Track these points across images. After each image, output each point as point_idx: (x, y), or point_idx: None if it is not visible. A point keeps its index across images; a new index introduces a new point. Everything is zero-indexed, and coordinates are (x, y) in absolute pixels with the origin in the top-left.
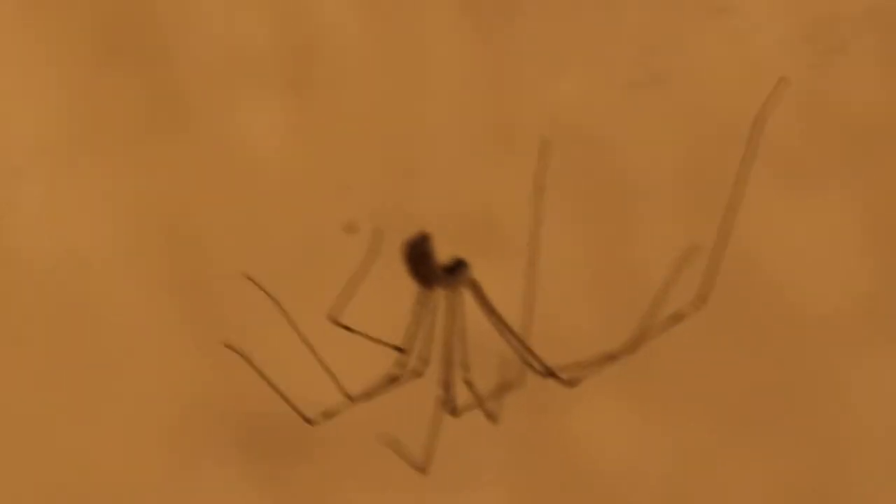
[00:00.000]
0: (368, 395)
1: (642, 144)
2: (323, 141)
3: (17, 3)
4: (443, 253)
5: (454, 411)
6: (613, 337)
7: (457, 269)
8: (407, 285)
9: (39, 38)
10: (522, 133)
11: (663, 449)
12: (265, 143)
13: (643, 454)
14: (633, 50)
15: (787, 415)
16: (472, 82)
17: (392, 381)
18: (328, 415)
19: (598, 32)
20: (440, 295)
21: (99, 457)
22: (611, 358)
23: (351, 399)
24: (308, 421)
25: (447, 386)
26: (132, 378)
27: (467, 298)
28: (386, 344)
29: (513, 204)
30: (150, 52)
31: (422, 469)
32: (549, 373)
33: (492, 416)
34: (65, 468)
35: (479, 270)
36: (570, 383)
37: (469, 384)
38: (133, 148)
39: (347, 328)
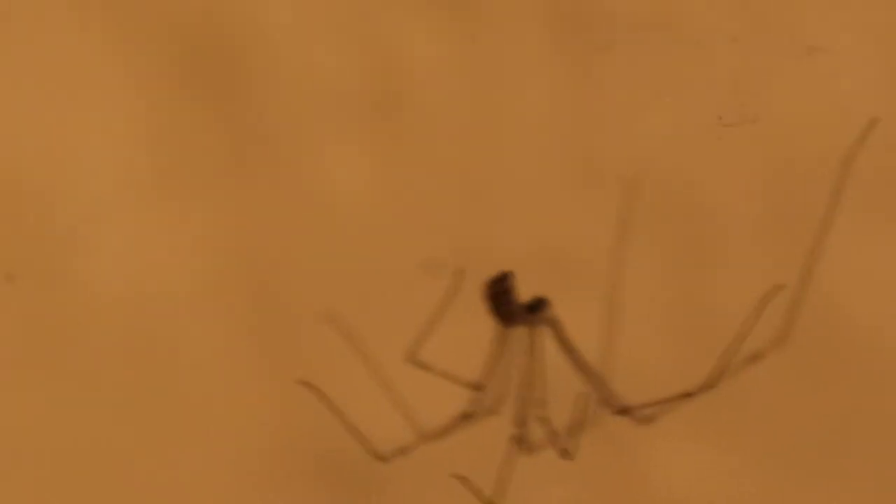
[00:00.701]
0: (442, 432)
1: (729, 184)
2: (405, 180)
3: (104, 39)
4: (524, 291)
5: (528, 449)
6: (691, 376)
7: (537, 307)
8: (486, 323)
9: (125, 74)
10: (608, 170)
11: (740, 490)
12: (348, 182)
13: (719, 495)
14: (723, 89)
15: (868, 457)
16: (559, 118)
17: (466, 418)
18: (400, 452)
19: (688, 70)
20: (520, 333)
21: (174, 494)
22: (687, 396)
23: (424, 436)
24: (380, 458)
25: (521, 423)
26: (209, 415)
27: (546, 336)
28: (462, 381)
29: (595, 242)
30: (235, 91)
31: None
32: (625, 410)
33: (566, 454)
34: None
35: (560, 308)
36: (645, 421)
37: (544, 421)
38: (216, 187)
39: (424, 366)
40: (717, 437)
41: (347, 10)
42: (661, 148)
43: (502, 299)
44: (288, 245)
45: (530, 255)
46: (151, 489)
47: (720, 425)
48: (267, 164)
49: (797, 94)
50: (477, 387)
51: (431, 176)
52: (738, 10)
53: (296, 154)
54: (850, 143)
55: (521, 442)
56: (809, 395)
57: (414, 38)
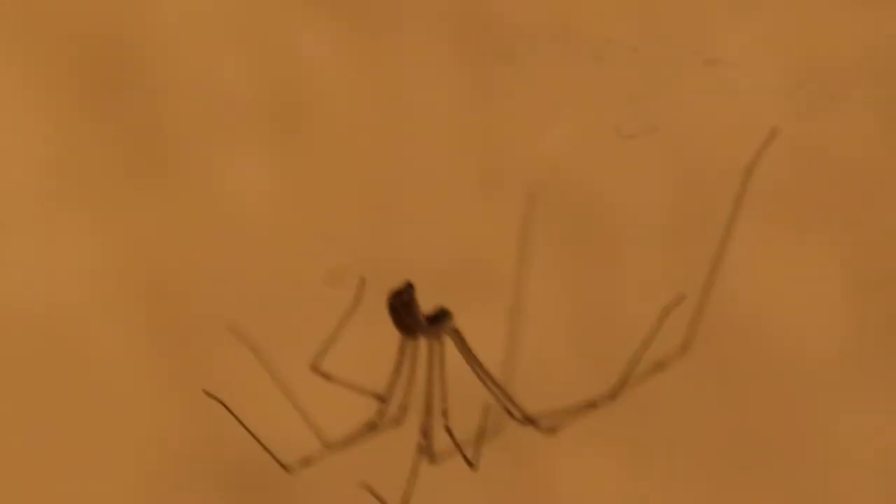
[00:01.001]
0: (347, 442)
1: (631, 193)
2: (307, 189)
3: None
4: (426, 302)
5: (433, 458)
6: (595, 385)
7: (440, 318)
8: (389, 334)
9: (23, 85)
10: (510, 181)
11: (643, 497)
12: (249, 192)
13: (623, 502)
14: (624, 100)
15: (770, 463)
16: (460, 129)
17: (371, 428)
18: (306, 462)
19: (588, 82)
20: (422, 344)
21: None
22: (591, 406)
23: (329, 447)
24: (286, 468)
25: (426, 433)
26: (112, 425)
27: (449, 347)
28: (366, 392)
29: (498, 252)
30: (135, 101)
31: None
32: (529, 420)
33: (471, 463)
34: None
35: (463, 318)
36: (549, 431)
37: (448, 431)
38: (116, 197)
39: (328, 377)
40: (622, 446)
41: (248, 19)
42: (562, 158)
43: (404, 310)
44: (191, 255)
45: (434, 265)
46: (57, 495)
47: (625, 435)
48: (168, 174)
49: (697, 106)
50: (381, 397)
51: (334, 185)
52: (638, 21)
53: (197, 164)
54: (750, 153)
55: (426, 451)
56: (714, 404)
57: (314, 46)
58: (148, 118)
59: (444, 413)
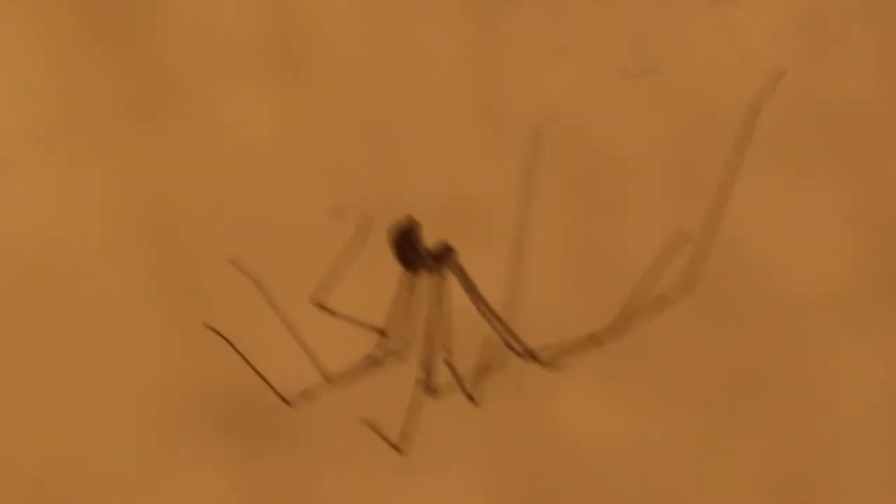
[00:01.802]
0: (348, 376)
1: (633, 133)
2: (310, 128)
3: None
4: (430, 238)
5: (434, 393)
6: (598, 321)
7: (443, 254)
8: (392, 270)
9: (24, 23)
10: (513, 121)
11: (644, 433)
12: (252, 131)
13: (624, 438)
14: (627, 40)
15: (768, 401)
16: (464, 70)
17: (373, 363)
18: (307, 396)
19: (592, 22)
20: (425, 279)
21: (78, 441)
22: (594, 341)
23: (330, 381)
24: (287, 402)
25: (428, 367)
26: (114, 362)
27: (452, 283)
28: (368, 326)
29: (501, 191)
30: (136, 40)
31: (400, 450)
32: (531, 355)
33: (472, 398)
34: (44, 452)
35: (466, 256)
36: (552, 366)
37: (450, 366)
38: (119, 137)
39: (330, 311)
40: (624, 383)
41: None
42: (566, 99)
43: (408, 247)
44: (192, 190)
45: (436, 203)
46: (58, 431)
47: (628, 371)
48: (170, 111)
49: (703, 46)
50: (383, 332)
51: (336, 124)
52: None
53: (199, 100)
54: (756, 93)
55: (428, 386)
56: (716, 342)
57: None
58: (149, 54)
59: (446, 347)
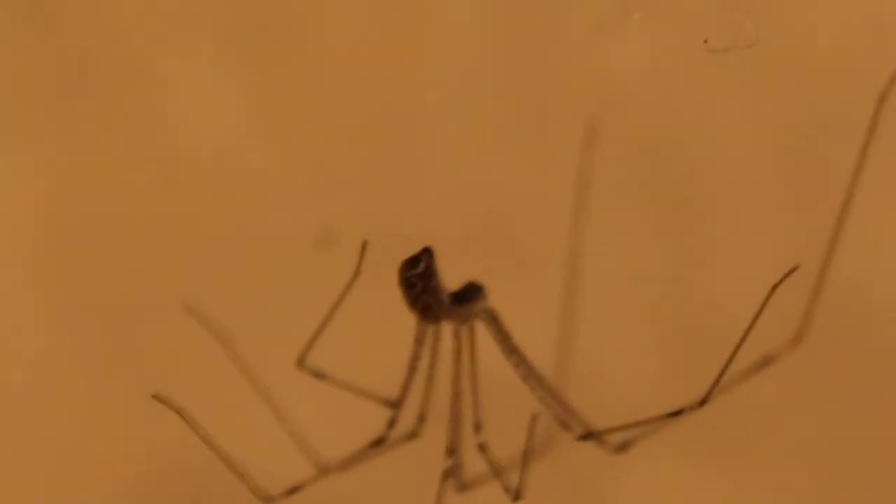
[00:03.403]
0: (346, 464)
1: (722, 128)
2: (290, 123)
3: None
4: (450, 275)
5: (462, 486)
6: (677, 386)
7: (469, 296)
8: (404, 319)
9: None
10: (563, 111)
11: None
12: (212, 128)
13: None
14: (711, 3)
15: None
16: (493, 44)
17: (377, 444)
18: (292, 492)
19: None
20: (446, 331)
21: None
22: (674, 415)
23: (323, 470)
24: (265, 500)
25: (453, 451)
26: (31, 437)
27: (481, 334)
28: (371, 396)
29: (546, 207)
30: (75, 7)
31: None
32: (591, 435)
33: (513, 493)
34: None
35: (498, 296)
36: (618, 449)
37: (483, 449)
38: (46, 128)
39: (320, 376)
40: (711, 467)
41: None
42: (631, 82)
43: (421, 286)
44: (139, 209)
45: (460, 226)
46: None
47: (716, 452)
48: (112, 102)
49: (811, 12)
50: (392, 403)
51: (325, 117)
52: None
53: (150, 89)
54: (884, 75)
55: (453, 477)
56: (832, 410)
57: None
58: (89, 30)
59: (477, 425)
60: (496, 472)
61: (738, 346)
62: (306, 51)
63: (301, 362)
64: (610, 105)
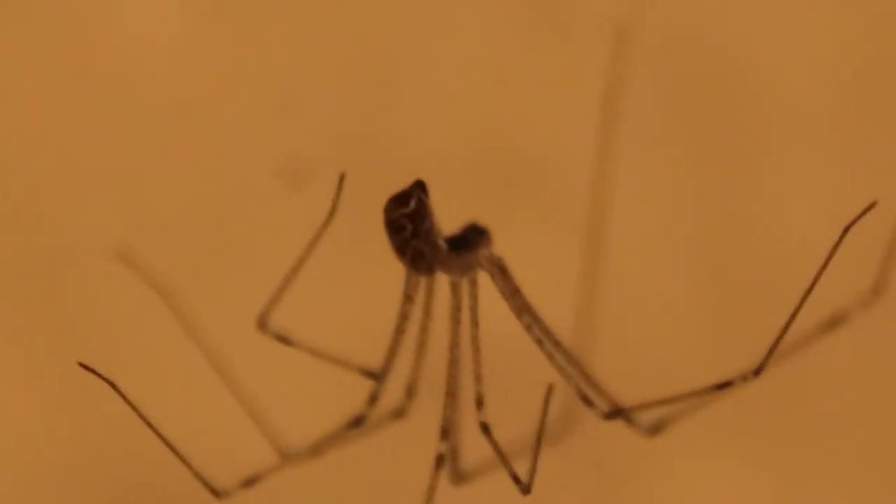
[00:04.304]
0: (317, 450)
1: (779, 36)
2: (246, 27)
3: None
4: (447, 214)
5: (459, 475)
6: (725, 352)
7: (471, 241)
8: (390, 270)
9: None
10: (582, 9)
11: None
12: (160, 37)
13: None
14: None
15: None
16: None
17: (356, 425)
18: (251, 482)
19: None
20: (442, 284)
21: None
22: (721, 387)
23: (288, 458)
24: (216, 494)
25: (449, 433)
26: None
27: (486, 288)
28: (349, 365)
29: (565, 130)
30: None
31: None
32: (618, 411)
33: (522, 483)
34: None
35: (507, 242)
36: (653, 430)
37: (485, 430)
38: None
39: (286, 340)
40: (766, 453)
41: None
42: None
43: (412, 228)
44: (63, 136)
45: (460, 154)
46: None
47: (772, 434)
48: (39, 16)
49: None
50: (374, 374)
51: (289, 19)
52: None
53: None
54: None
55: (449, 464)
56: None
57: None
58: None
59: (479, 401)
60: (502, 457)
61: (801, 302)
62: None
63: (262, 323)
64: (642, 5)
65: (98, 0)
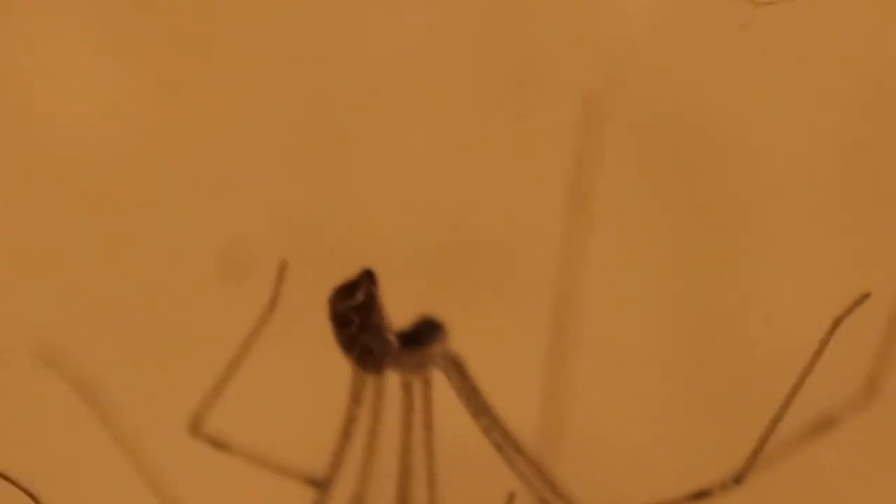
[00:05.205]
0: None
1: (764, 104)
2: (185, 103)
3: None
4: (399, 307)
5: None
6: (704, 458)
7: (424, 337)
8: (338, 368)
9: None
10: (551, 84)
11: None
12: (89, 106)
13: None
14: None
15: None
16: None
17: None
18: None
19: None
20: (392, 383)
21: None
22: (696, 498)
23: None
24: None
25: None
26: None
27: (440, 388)
28: (291, 472)
29: (530, 213)
30: None
31: None
32: None
33: None
34: None
35: (463, 337)
36: None
37: None
38: None
39: (222, 446)
40: None
41: None
42: (645, 32)
43: (360, 322)
44: None
45: (414, 242)
46: None
47: None
48: None
49: None
50: (318, 483)
51: (236, 93)
52: None
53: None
54: None
55: None
56: None
57: None
58: None
59: None
60: None
61: (787, 402)
62: (209, 7)
63: (195, 427)
64: (618, 64)
65: (20, 79)
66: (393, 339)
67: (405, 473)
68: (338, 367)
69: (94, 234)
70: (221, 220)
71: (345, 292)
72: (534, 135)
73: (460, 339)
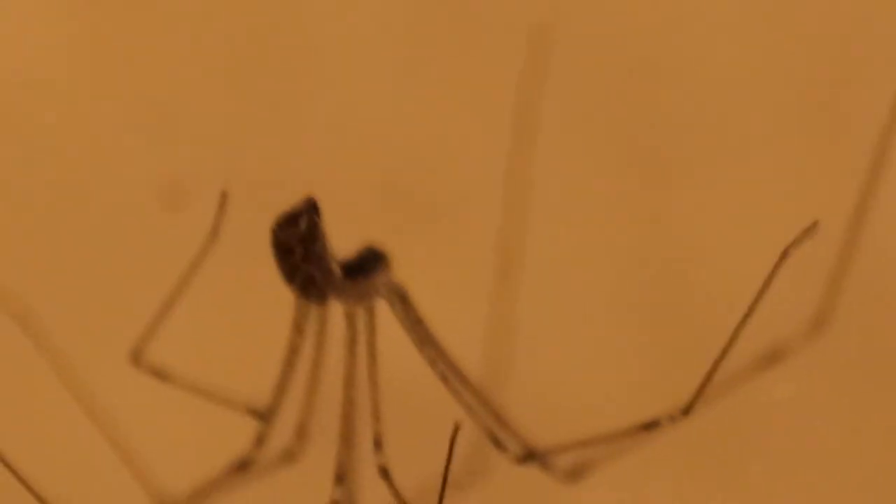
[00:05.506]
0: (197, 497)
1: (713, 22)
2: (127, 38)
3: None
4: (342, 236)
5: None
6: (651, 390)
7: (368, 266)
8: (279, 298)
9: None
10: (496, 20)
11: None
12: (25, 51)
13: None
14: None
15: None
16: None
17: (241, 469)
18: None
19: None
20: (335, 313)
21: None
22: (646, 428)
23: None
24: None
25: (344, 477)
26: None
27: (384, 318)
28: (233, 403)
29: (474, 146)
30: None
31: None
32: (533, 455)
33: None
34: None
35: (408, 267)
36: (571, 475)
37: (384, 474)
38: None
39: (163, 375)
40: (692, 501)
41: None
42: None
43: (302, 252)
44: None
45: (356, 171)
46: None
47: (703, 480)
48: None
49: None
50: (261, 414)
51: (179, 26)
52: None
53: None
54: None
55: None
56: (858, 422)
57: None
58: None
59: (377, 442)
60: (400, 502)
61: (734, 335)
62: None
63: (137, 357)
64: (562, 6)
65: None
66: (336, 269)
67: (349, 404)
68: (280, 296)
69: (31, 165)
70: (163, 151)
71: (287, 221)
72: (478, 69)
73: (405, 269)
